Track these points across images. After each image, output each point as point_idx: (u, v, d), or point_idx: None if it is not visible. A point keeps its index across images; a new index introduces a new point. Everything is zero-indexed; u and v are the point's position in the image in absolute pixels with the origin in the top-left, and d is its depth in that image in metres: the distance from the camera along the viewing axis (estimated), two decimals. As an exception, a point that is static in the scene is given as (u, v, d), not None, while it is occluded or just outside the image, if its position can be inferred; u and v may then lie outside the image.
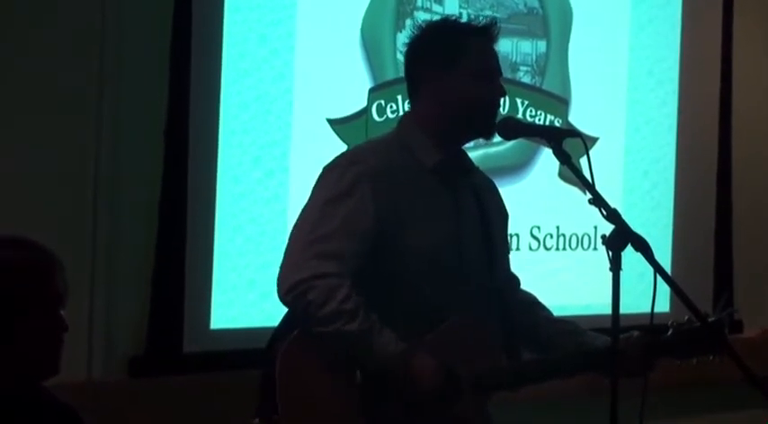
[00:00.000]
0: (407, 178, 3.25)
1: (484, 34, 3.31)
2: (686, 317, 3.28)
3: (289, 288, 3.05)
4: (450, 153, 3.33)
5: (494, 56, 3.32)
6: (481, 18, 3.43)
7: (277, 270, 3.11)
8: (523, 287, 3.57)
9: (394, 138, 3.38)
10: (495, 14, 3.47)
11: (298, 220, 3.18)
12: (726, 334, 3.28)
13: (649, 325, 3.21)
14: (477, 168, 3.48)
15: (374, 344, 3.05)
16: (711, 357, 3.30)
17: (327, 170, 3.24)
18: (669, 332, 3.31)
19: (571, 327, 3.43)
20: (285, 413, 3.08)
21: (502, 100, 3.38)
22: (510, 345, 3.38)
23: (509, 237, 3.63)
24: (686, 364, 3.33)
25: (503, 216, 3.50)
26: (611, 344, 3.04)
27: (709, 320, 3.24)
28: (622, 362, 3.07)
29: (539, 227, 4.90)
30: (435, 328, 3.17)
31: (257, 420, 3.13)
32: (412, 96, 3.37)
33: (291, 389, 3.11)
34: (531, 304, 3.50)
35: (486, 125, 3.29)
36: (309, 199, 3.20)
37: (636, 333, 3.24)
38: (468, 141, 3.39)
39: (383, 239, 3.16)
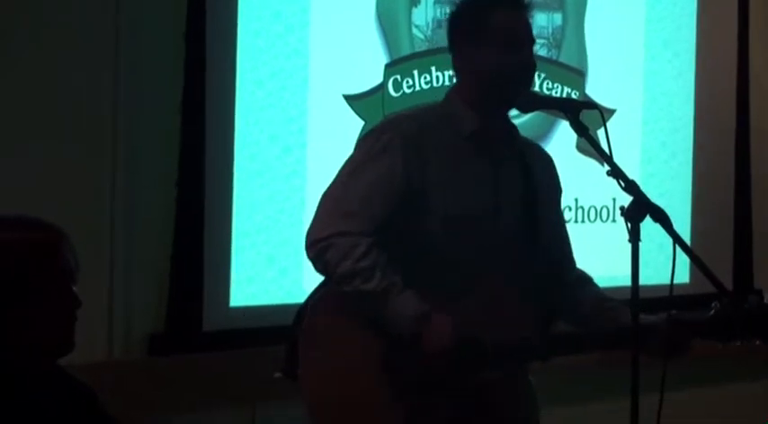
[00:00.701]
0: (441, 144, 3.25)
1: (511, 5, 3.32)
2: (726, 299, 3.29)
3: (310, 244, 3.11)
4: (489, 122, 3.32)
5: (521, 26, 3.30)
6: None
7: (295, 247, 3.14)
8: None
9: (437, 107, 3.41)
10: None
11: (332, 181, 3.22)
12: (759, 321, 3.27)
13: (662, 300, 3.22)
14: (530, 140, 3.50)
15: (389, 305, 3.08)
16: (758, 341, 3.30)
17: (365, 135, 3.34)
18: (712, 313, 3.28)
19: (616, 306, 3.39)
20: (304, 370, 3.14)
21: (533, 71, 3.37)
22: (546, 317, 3.39)
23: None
24: (730, 346, 3.34)
25: (556, 189, 3.50)
26: (632, 317, 3.04)
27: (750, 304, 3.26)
28: (661, 342, 3.09)
29: (558, 199, 4.91)
30: (462, 295, 3.18)
31: (279, 374, 3.18)
32: (455, 68, 3.39)
33: (312, 346, 3.15)
34: (582, 282, 3.47)
35: (516, 94, 3.30)
36: (345, 162, 3.24)
37: (675, 312, 3.17)
38: (504, 111, 3.36)
39: (412, 200, 3.18)
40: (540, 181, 3.39)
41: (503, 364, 3.20)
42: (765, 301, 3.21)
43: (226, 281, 4.27)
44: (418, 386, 3.14)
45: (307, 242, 3.12)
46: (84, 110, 4.04)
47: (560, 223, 3.51)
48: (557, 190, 3.49)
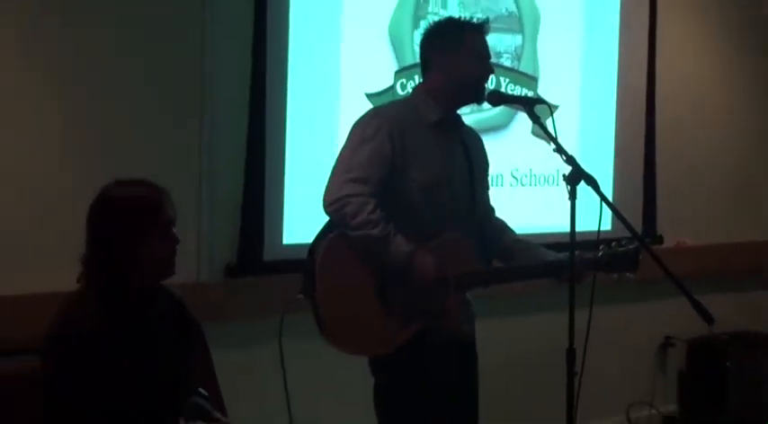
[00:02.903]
0: (414, 129, 3.29)
1: (479, 29, 3.36)
2: (612, 243, 3.35)
3: (330, 203, 3.15)
4: (448, 114, 3.38)
5: (485, 44, 3.38)
6: (476, 18, 3.43)
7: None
8: (506, 214, 3.64)
9: (408, 100, 3.49)
10: (484, 16, 3.46)
11: (338, 155, 3.27)
12: (638, 261, 3.32)
13: (588, 243, 3.25)
14: (468, 126, 3.54)
15: (390, 244, 3.12)
16: (628, 275, 3.36)
17: (360, 120, 3.35)
18: (600, 253, 3.35)
19: (529, 245, 3.49)
20: (320, 290, 3.15)
21: (491, 77, 3.42)
22: (484, 256, 3.45)
23: (491, 178, 3.65)
24: (610, 277, 3.41)
25: (485, 163, 3.54)
26: (569, 255, 3.09)
27: (625, 248, 3.32)
28: (567, 272, 3.13)
29: (517, 170, 4.89)
30: (431, 240, 3.23)
31: (301, 296, 3.21)
32: (424, 72, 3.42)
33: (326, 274, 3.17)
34: (502, 228, 3.56)
35: (478, 93, 3.37)
36: (346, 141, 3.29)
37: (577, 253, 3.17)
38: (463, 105, 3.43)
39: (395, 170, 3.22)
40: (475, 155, 3.45)
41: (458, 290, 3.28)
42: (648, 242, 3.31)
43: (279, 225, 4.28)
44: (402, 305, 3.19)
45: (325, 201, 3.17)
46: (182, 103, 4.04)
47: (487, 188, 3.55)
48: (485, 162, 3.53)
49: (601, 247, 3.33)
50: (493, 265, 3.48)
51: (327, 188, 3.18)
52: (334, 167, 3.23)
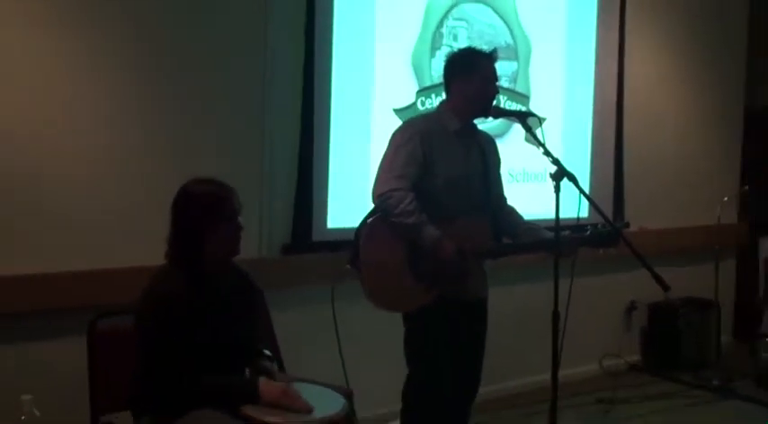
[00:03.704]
0: (439, 136, 3.29)
1: (489, 56, 3.33)
2: (598, 224, 3.30)
3: (377, 195, 3.17)
4: (465, 124, 3.36)
5: (494, 70, 3.36)
6: (486, 48, 3.40)
7: (365, 192, 3.29)
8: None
9: (434, 114, 3.46)
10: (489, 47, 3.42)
11: (382, 158, 3.28)
12: (618, 238, 3.29)
13: (576, 226, 3.22)
14: (484, 132, 3.52)
15: (422, 231, 3.14)
16: (611, 249, 3.31)
17: (397, 130, 3.36)
18: (587, 232, 3.31)
19: (532, 226, 3.45)
20: (363, 262, 3.20)
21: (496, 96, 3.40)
22: (496, 234, 3.43)
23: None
24: (596, 251, 3.39)
25: (497, 161, 3.51)
26: (554, 236, 3.06)
27: (608, 229, 3.29)
28: (561, 247, 3.09)
29: (513, 169, 4.87)
30: (453, 222, 3.23)
31: (348, 266, 3.24)
32: (446, 91, 3.40)
33: (368, 248, 3.20)
34: (511, 213, 3.52)
35: (486, 109, 3.35)
36: (387, 147, 3.30)
37: (568, 232, 3.23)
38: (476, 118, 3.40)
39: (425, 169, 3.23)
40: (489, 156, 3.43)
41: (475, 260, 3.27)
42: (621, 228, 3.28)
43: (324, 213, 4.24)
44: (427, 275, 3.21)
45: (374, 194, 3.19)
46: (248, 117, 3.99)
47: (500, 182, 3.52)
48: (498, 162, 3.50)
49: (588, 228, 3.31)
50: (502, 241, 3.47)
51: (375, 183, 3.22)
52: (380, 167, 3.25)
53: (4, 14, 3.27)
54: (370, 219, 3.22)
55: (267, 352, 2.80)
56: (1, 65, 3.27)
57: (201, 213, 2.65)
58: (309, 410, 2.53)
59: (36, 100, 3.36)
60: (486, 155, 3.40)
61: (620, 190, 5.61)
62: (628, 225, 3.53)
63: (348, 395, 2.79)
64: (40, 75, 3.36)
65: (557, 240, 3.05)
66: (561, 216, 2.98)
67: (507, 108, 4.58)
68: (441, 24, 4.64)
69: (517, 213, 3.50)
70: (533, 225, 3.44)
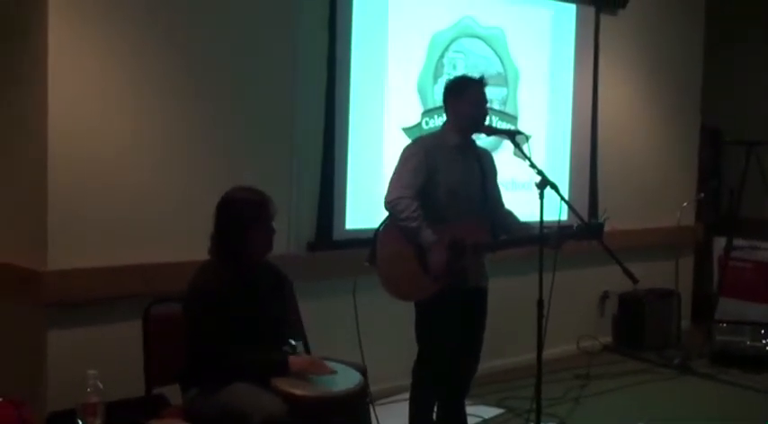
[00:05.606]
0: (441, 150, 3.27)
1: (478, 82, 3.30)
2: (582, 224, 3.27)
3: (388, 202, 3.17)
4: (463, 140, 3.33)
5: (482, 93, 3.32)
6: (478, 75, 3.38)
7: (378, 198, 3.28)
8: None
9: (438, 132, 3.46)
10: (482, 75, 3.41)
11: (394, 170, 3.26)
12: (602, 232, 3.26)
13: (559, 227, 3.20)
14: (482, 147, 3.49)
15: (421, 235, 3.12)
16: (594, 242, 3.28)
17: (407, 146, 3.35)
18: (575, 227, 3.28)
19: (524, 225, 3.40)
20: (380, 258, 3.22)
21: (487, 116, 3.36)
22: (493, 233, 3.40)
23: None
24: (579, 245, 3.36)
25: (494, 171, 3.47)
26: (539, 233, 3.05)
27: (592, 223, 3.26)
28: (551, 240, 3.11)
29: (503, 179, 4.73)
30: (455, 223, 3.23)
31: (367, 263, 3.25)
32: (445, 112, 3.39)
33: (383, 246, 3.22)
34: (507, 215, 3.48)
35: (477, 127, 3.33)
36: (399, 160, 3.29)
37: (556, 228, 3.18)
38: (472, 133, 3.37)
39: (428, 179, 3.21)
40: (486, 167, 3.40)
41: (474, 255, 3.25)
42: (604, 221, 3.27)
43: (343, 215, 4.23)
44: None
45: (386, 200, 3.17)
46: (277, 132, 3.96)
47: (497, 188, 3.48)
48: (495, 172, 3.46)
49: (575, 225, 3.28)
50: (499, 238, 3.46)
51: (387, 191, 3.22)
52: (392, 177, 3.26)
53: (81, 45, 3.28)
54: (386, 223, 3.25)
55: (292, 341, 2.79)
56: (91, 85, 3.32)
57: (240, 216, 2.65)
58: (334, 372, 2.65)
59: (107, 116, 3.39)
60: (483, 166, 3.38)
61: (595, 196, 5.58)
62: (606, 220, 3.47)
63: (363, 371, 2.79)
64: (111, 94, 3.39)
65: (541, 236, 3.04)
66: (545, 219, 2.98)
67: (498, 127, 4.55)
68: (443, 56, 4.63)
69: (514, 215, 3.48)
70: (525, 224, 3.43)
